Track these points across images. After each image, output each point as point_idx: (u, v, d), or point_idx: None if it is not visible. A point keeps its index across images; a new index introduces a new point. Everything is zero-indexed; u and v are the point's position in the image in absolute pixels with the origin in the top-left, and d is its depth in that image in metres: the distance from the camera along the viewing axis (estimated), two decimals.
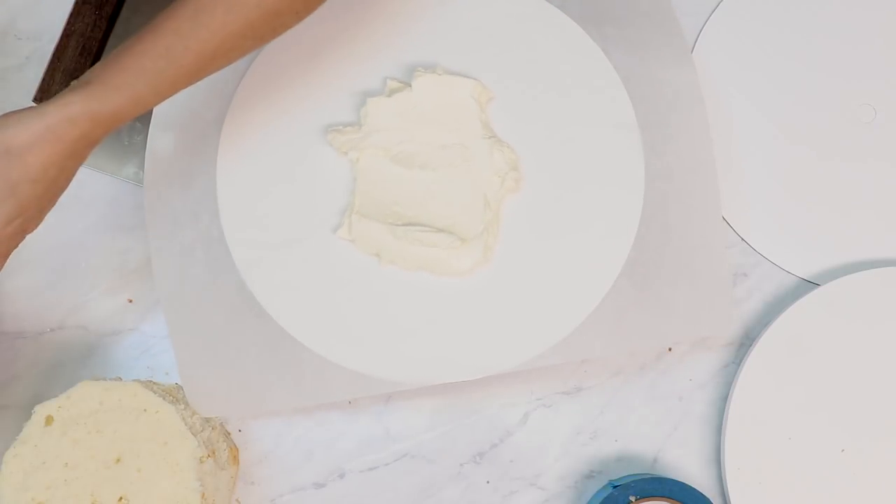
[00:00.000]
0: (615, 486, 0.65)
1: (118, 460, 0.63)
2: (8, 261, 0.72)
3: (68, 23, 0.70)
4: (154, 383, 0.68)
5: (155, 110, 0.69)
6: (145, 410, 0.64)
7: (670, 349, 0.71)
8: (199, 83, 0.58)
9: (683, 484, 0.64)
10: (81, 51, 0.71)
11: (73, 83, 0.55)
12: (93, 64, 0.71)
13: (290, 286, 0.67)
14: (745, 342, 0.71)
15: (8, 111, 0.55)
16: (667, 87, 0.70)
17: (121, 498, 0.62)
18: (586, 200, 0.68)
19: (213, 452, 0.65)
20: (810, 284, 0.72)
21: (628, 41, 0.71)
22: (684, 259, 0.67)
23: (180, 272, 0.68)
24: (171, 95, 0.57)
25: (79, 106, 0.54)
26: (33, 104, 0.69)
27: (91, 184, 0.74)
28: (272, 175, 0.69)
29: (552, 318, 0.67)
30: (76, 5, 0.71)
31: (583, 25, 0.71)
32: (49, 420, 0.63)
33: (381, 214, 0.68)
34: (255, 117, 0.69)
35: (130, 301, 0.72)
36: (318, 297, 0.67)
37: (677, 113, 0.69)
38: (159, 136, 0.69)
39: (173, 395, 0.67)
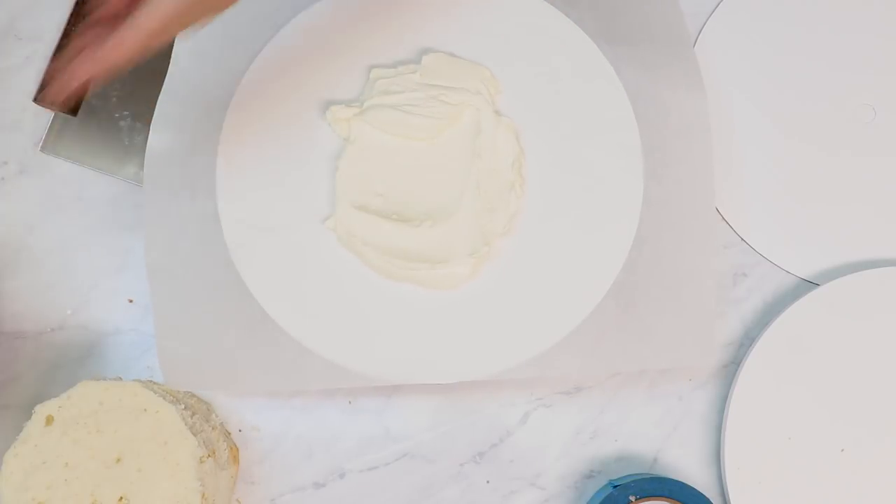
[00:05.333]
0: (615, 486, 0.65)
1: (118, 460, 0.63)
2: (8, 261, 0.73)
3: (68, 23, 0.70)
4: (154, 383, 0.68)
5: (156, 110, 0.69)
6: (145, 410, 0.64)
7: None
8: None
9: (683, 484, 0.64)
10: None
11: None
12: None
13: (275, 269, 0.68)
14: (745, 342, 0.71)
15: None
16: (675, 113, 0.69)
17: (121, 498, 0.62)
18: (580, 217, 0.68)
19: (213, 452, 0.65)
20: (810, 284, 0.72)
21: (641, 62, 0.70)
22: (673, 287, 0.67)
23: (170, 243, 0.68)
24: None
25: None
26: (34, 104, 0.70)
27: (91, 184, 0.74)
28: (272, 158, 0.69)
29: (532, 332, 0.66)
30: (76, 5, 0.71)
31: (596, 42, 0.70)
32: (49, 420, 0.63)
33: (364, 203, 0.67)
34: (261, 100, 0.70)
35: (130, 301, 0.72)
36: (302, 284, 0.68)
37: (683, 140, 0.69)
38: (160, 130, 0.69)
39: (173, 395, 0.67)
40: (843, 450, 0.68)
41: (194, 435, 0.63)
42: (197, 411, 0.67)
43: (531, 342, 0.66)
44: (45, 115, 0.73)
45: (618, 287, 0.67)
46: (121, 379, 0.67)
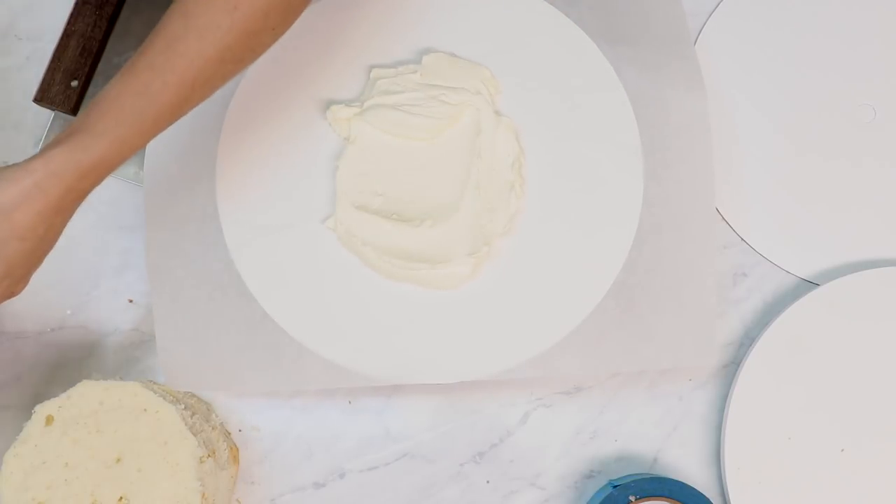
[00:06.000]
0: (615, 486, 0.65)
1: (118, 460, 0.63)
2: None
3: (68, 23, 0.70)
4: (154, 383, 0.68)
5: None
6: (145, 410, 0.64)
7: None
8: None
9: (683, 484, 0.64)
10: (81, 51, 0.71)
11: (58, 135, 0.54)
12: (93, 64, 0.71)
13: (276, 270, 0.68)
14: (745, 342, 0.71)
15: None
16: (675, 113, 0.69)
17: (121, 498, 0.62)
18: (581, 218, 0.68)
19: (213, 452, 0.65)
20: (810, 284, 0.72)
21: (641, 62, 0.70)
22: (673, 287, 0.67)
23: (171, 244, 0.68)
24: (157, 133, 0.55)
25: (63, 157, 0.52)
26: (34, 104, 0.70)
27: None
28: (272, 158, 0.69)
29: (533, 332, 0.67)
30: (76, 5, 0.71)
31: (597, 42, 0.70)
32: (49, 420, 0.63)
33: (364, 203, 0.67)
34: (261, 100, 0.70)
35: (130, 301, 0.72)
36: (303, 284, 0.68)
37: (682, 140, 0.69)
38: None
39: (173, 395, 0.67)
40: (843, 450, 0.68)
41: (194, 435, 0.63)
42: (197, 411, 0.67)
43: (531, 342, 0.66)
44: (45, 115, 0.73)
45: (618, 287, 0.67)
46: (121, 379, 0.67)
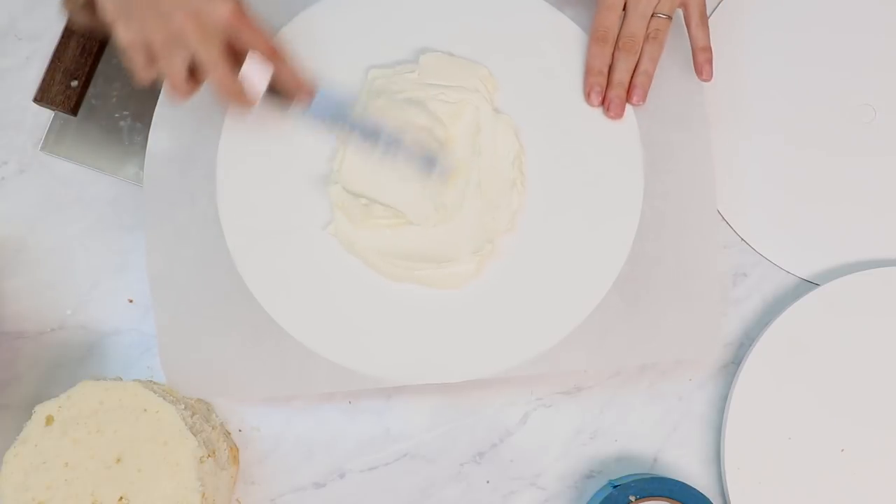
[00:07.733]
0: (615, 486, 0.65)
1: (118, 460, 0.63)
2: (8, 261, 0.73)
3: (68, 23, 0.70)
4: (154, 383, 0.68)
5: (156, 112, 0.69)
6: (145, 410, 0.64)
7: None
8: None
9: (683, 484, 0.64)
10: (81, 51, 0.71)
11: None
12: (93, 64, 0.71)
13: (279, 274, 0.68)
14: (745, 342, 0.71)
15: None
16: (673, 107, 0.69)
17: (121, 498, 0.62)
18: (583, 213, 0.68)
19: (213, 452, 0.65)
20: (810, 284, 0.72)
21: None
22: (677, 280, 0.67)
23: (172, 251, 0.68)
24: None
25: None
26: (34, 104, 0.70)
27: (91, 184, 0.74)
28: (273, 160, 0.69)
29: (539, 328, 0.66)
30: None
31: None
32: (49, 420, 0.63)
33: (358, 205, 0.67)
34: (260, 102, 0.69)
35: (130, 301, 0.72)
36: (306, 288, 0.67)
37: (682, 133, 0.69)
38: (160, 132, 0.69)
39: (173, 395, 0.67)
40: (843, 450, 0.68)
41: (194, 435, 0.63)
42: (197, 411, 0.67)
43: (537, 339, 0.66)
44: (45, 115, 0.73)
45: (622, 282, 0.67)
46: (121, 379, 0.67)
